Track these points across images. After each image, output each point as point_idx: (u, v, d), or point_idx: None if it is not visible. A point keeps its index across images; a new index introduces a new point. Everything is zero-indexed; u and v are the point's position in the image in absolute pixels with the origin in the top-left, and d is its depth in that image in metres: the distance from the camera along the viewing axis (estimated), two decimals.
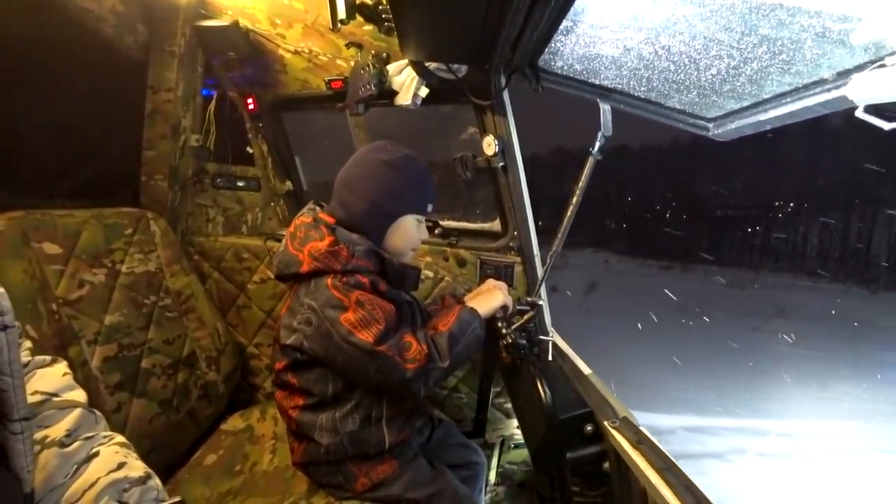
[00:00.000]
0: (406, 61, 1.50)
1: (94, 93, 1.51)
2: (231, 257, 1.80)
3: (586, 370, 1.35)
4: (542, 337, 1.40)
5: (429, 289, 1.70)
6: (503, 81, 1.41)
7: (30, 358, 0.64)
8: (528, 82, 1.38)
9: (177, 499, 0.63)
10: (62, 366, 0.69)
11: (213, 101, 1.77)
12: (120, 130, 1.63)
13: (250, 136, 1.83)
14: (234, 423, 1.59)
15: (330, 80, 1.64)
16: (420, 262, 1.74)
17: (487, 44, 1.20)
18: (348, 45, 1.54)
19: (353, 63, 1.57)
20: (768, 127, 1.10)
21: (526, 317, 1.35)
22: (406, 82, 1.54)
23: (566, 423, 1.19)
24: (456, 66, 1.47)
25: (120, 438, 0.64)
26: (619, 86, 1.30)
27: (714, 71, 1.06)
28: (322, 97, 1.72)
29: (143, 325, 1.44)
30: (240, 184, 1.86)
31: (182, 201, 1.78)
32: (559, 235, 1.47)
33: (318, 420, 1.18)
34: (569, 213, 1.46)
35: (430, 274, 1.70)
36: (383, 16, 1.38)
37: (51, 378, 0.63)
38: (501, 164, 1.54)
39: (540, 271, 1.57)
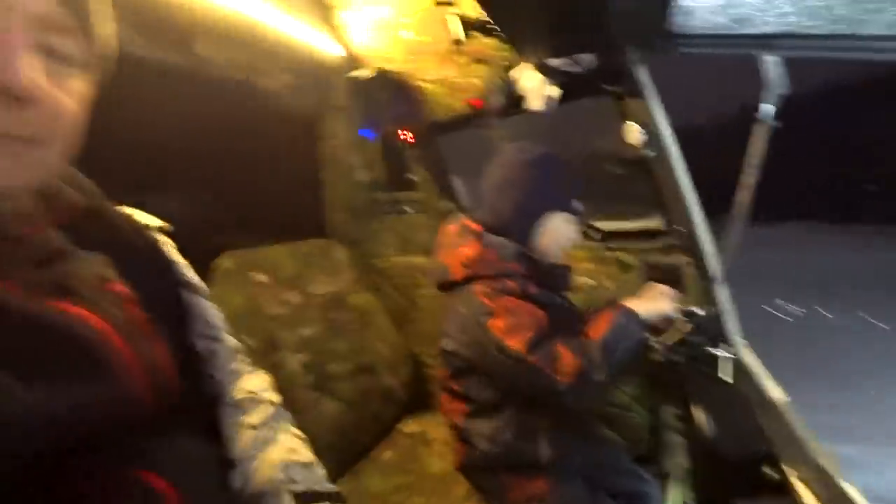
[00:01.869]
0: (527, 65, 1.47)
1: (282, 151, 1.90)
2: (403, 275, 2.02)
3: (777, 396, 1.07)
4: (717, 352, 1.17)
5: (589, 297, 1.60)
6: (634, 60, 1.26)
7: (243, 365, 0.75)
8: (663, 53, 1.20)
9: (334, 488, 0.70)
10: (263, 373, 0.82)
11: (376, 140, 2.03)
12: (303, 177, 2.01)
13: (411, 164, 2.03)
14: (411, 426, 1.76)
15: (468, 100, 1.71)
16: (578, 268, 1.65)
17: (603, 22, 1.10)
18: (473, 65, 1.59)
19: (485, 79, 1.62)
20: None
21: (682, 330, 1.15)
22: (533, 87, 1.50)
23: (736, 464, 0.96)
24: (580, 56, 1.37)
25: (297, 432, 0.74)
26: (786, 28, 1.03)
27: None
28: (467, 117, 1.80)
29: (332, 337, 1.71)
30: (406, 208, 2.08)
31: (359, 229, 2.07)
32: (734, 225, 1.22)
33: (478, 426, 1.19)
34: (744, 197, 1.21)
35: (591, 281, 1.59)
36: (488, 26, 1.39)
37: (255, 381, 0.76)
38: (651, 152, 1.36)
39: (714, 269, 1.32)
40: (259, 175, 1.85)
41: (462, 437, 1.24)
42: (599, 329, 1.10)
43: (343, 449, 1.55)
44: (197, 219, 1.79)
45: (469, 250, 1.16)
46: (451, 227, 1.27)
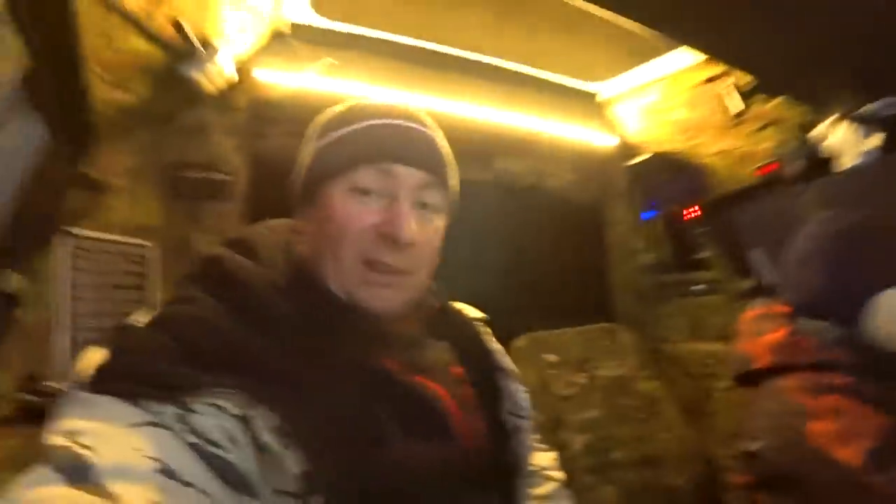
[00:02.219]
0: (830, 120, 1.25)
1: (568, 241, 2.09)
2: (696, 363, 1.83)
3: None
4: None
5: None
6: None
7: (535, 441, 0.83)
8: None
9: None
10: (552, 453, 0.89)
11: (659, 220, 2.00)
12: (591, 265, 2.13)
13: (700, 241, 1.90)
14: None
15: (758, 167, 1.55)
16: None
17: None
18: (759, 130, 1.45)
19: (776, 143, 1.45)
20: None
21: None
22: (844, 141, 1.26)
23: None
24: None
25: None
26: None
27: None
28: (759, 186, 1.62)
29: (615, 422, 1.69)
30: (697, 289, 1.92)
31: (647, 313, 2.02)
32: None
33: None
34: None
35: None
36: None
37: (544, 457, 0.84)
38: None
39: None
40: (550, 263, 2.10)
41: None
42: None
43: None
44: (501, 302, 2.15)
45: (775, 335, 0.98)
46: (753, 312, 1.11)
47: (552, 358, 1.76)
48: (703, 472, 1.70)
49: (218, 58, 1.24)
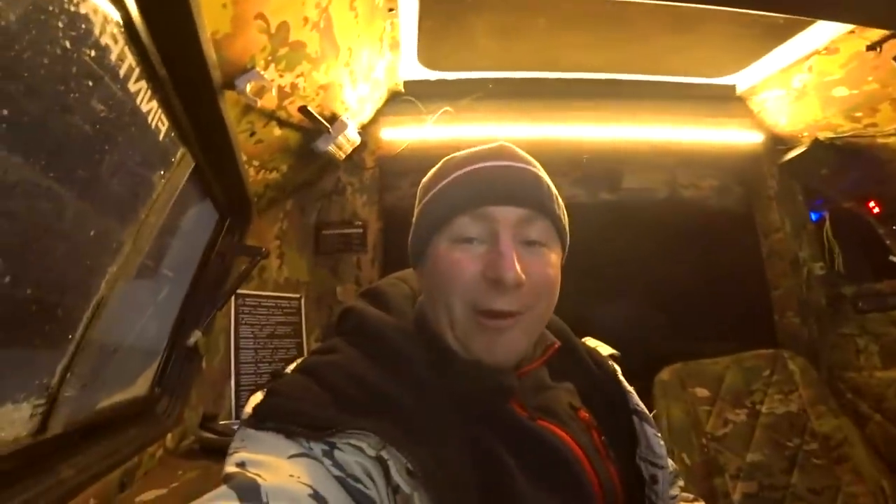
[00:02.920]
0: None
1: (720, 253, 1.86)
2: (894, 395, 1.45)
3: None
4: None
5: None
6: None
7: (679, 492, 0.78)
8: None
9: None
10: (700, 502, 0.82)
11: (828, 221, 1.67)
12: (745, 279, 1.84)
13: (889, 242, 1.53)
14: None
15: None
16: None
17: None
18: None
19: None
20: None
21: None
22: None
23: None
24: None
25: None
26: None
27: None
28: None
29: (786, 469, 1.43)
30: (890, 301, 1.53)
31: (821, 334, 1.68)
32: None
33: None
34: None
35: None
36: None
37: None
38: None
39: None
40: (695, 282, 1.90)
41: None
42: None
43: None
44: (642, 330, 2.00)
45: None
46: None
47: (703, 392, 1.57)
48: None
49: (344, 129, 1.41)
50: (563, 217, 0.63)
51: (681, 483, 0.76)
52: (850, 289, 1.65)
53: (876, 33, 1.19)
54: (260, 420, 0.49)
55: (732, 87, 1.68)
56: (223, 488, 0.42)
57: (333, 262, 1.60)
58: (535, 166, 0.63)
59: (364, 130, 1.60)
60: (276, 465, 0.45)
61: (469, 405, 0.56)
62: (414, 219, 0.66)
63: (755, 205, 1.80)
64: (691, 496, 0.81)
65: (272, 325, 1.44)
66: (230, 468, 0.45)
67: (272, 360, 1.42)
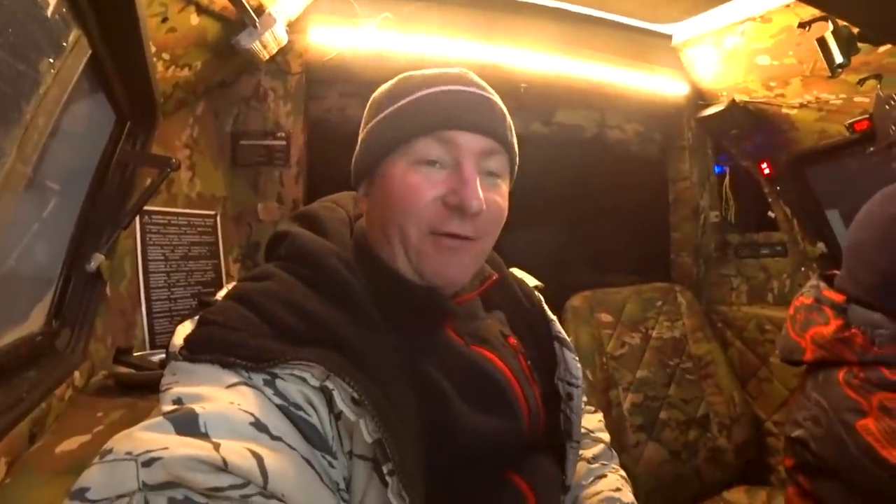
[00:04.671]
0: None
1: (633, 195, 2.00)
2: (753, 327, 1.77)
3: None
4: None
5: None
6: None
7: (584, 406, 0.86)
8: None
9: None
10: (599, 414, 0.94)
11: (727, 176, 1.87)
12: (651, 221, 2.04)
13: (770, 200, 1.76)
14: (738, 496, 1.58)
15: (852, 123, 1.39)
16: None
17: None
18: (861, 82, 1.28)
19: (875, 97, 1.28)
20: None
21: None
22: None
23: None
24: None
25: (623, 473, 0.84)
26: None
27: None
28: (847, 143, 1.47)
29: (666, 382, 1.70)
30: (763, 251, 1.81)
31: (706, 274, 1.95)
32: None
33: None
34: None
35: None
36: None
37: (592, 420, 0.89)
38: None
39: None
40: (610, 220, 2.04)
41: None
42: None
43: (659, 499, 1.54)
44: (558, 259, 2.13)
45: (827, 328, 0.96)
46: (804, 298, 1.06)
47: (607, 317, 1.76)
48: (750, 435, 1.71)
49: (273, 24, 1.21)
50: (516, 152, 0.64)
51: (584, 398, 0.84)
52: (735, 237, 1.92)
53: (809, 12, 1.26)
54: (193, 351, 0.47)
55: (669, 37, 1.72)
56: (159, 419, 0.40)
57: (254, 177, 1.44)
58: (498, 98, 0.62)
59: (291, 29, 1.38)
60: (215, 395, 0.43)
61: (410, 332, 0.57)
62: (362, 136, 0.63)
63: (670, 153, 1.95)
64: (592, 408, 0.93)
65: (185, 245, 1.28)
66: (167, 406, 0.42)
67: (187, 283, 1.28)
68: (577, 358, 0.74)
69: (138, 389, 0.92)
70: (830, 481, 0.97)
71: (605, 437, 0.88)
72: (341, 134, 1.48)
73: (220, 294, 0.55)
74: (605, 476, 0.80)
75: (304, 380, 0.46)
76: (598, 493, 0.76)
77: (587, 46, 1.64)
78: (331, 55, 1.44)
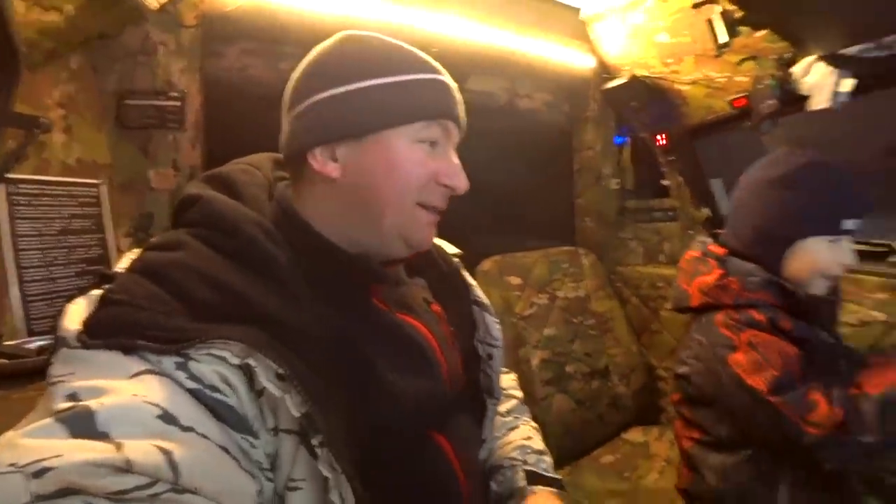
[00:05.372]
0: (813, 57, 1.23)
1: (538, 163, 2.08)
2: (647, 285, 1.96)
3: None
4: None
5: (876, 335, 1.28)
6: None
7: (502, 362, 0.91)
8: None
9: (558, 477, 0.82)
10: (512, 374, 1.02)
11: (628, 147, 2.00)
12: (557, 188, 2.14)
13: (665, 169, 1.92)
14: (635, 434, 1.79)
15: (732, 100, 1.54)
16: (866, 299, 1.32)
17: None
18: (741, 62, 1.41)
19: (752, 76, 1.43)
20: None
21: None
22: (819, 81, 1.26)
23: None
24: (888, 39, 1.08)
25: (534, 424, 0.91)
26: None
27: None
28: (729, 118, 1.64)
29: (571, 339, 1.83)
30: (657, 216, 1.99)
31: (607, 237, 2.10)
32: None
33: (709, 458, 1.14)
34: None
35: (880, 316, 1.27)
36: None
37: (507, 379, 0.95)
38: None
39: None
40: (520, 187, 2.10)
41: (690, 463, 1.20)
42: (880, 383, 0.91)
43: (568, 444, 1.68)
44: (467, 224, 2.17)
45: (710, 277, 1.09)
46: (693, 252, 1.21)
47: (516, 280, 1.84)
48: (644, 381, 1.92)
49: None
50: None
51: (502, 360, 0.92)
52: (633, 203, 2.07)
53: None
54: (94, 336, 0.42)
55: (577, 10, 1.76)
56: (48, 420, 0.36)
57: (143, 141, 1.28)
58: None
59: None
60: (116, 387, 0.40)
61: (336, 302, 0.57)
62: (346, 90, 0.59)
63: (576, 124, 2.04)
64: (506, 369, 1.00)
65: (64, 218, 1.12)
66: (59, 404, 0.38)
67: (68, 261, 1.13)
68: (497, 321, 0.79)
69: (11, 380, 0.82)
70: (707, 408, 1.12)
71: (518, 394, 0.95)
72: (244, 96, 1.36)
73: (121, 265, 0.50)
74: (517, 427, 0.86)
75: (222, 359, 0.43)
76: (510, 443, 0.82)
77: (500, 15, 1.64)
78: (231, 7, 1.31)
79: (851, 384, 0.94)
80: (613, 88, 1.81)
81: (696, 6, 1.40)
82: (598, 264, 2.01)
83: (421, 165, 0.60)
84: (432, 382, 0.64)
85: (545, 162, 2.12)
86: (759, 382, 0.94)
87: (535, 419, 0.91)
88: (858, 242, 1.41)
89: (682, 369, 1.16)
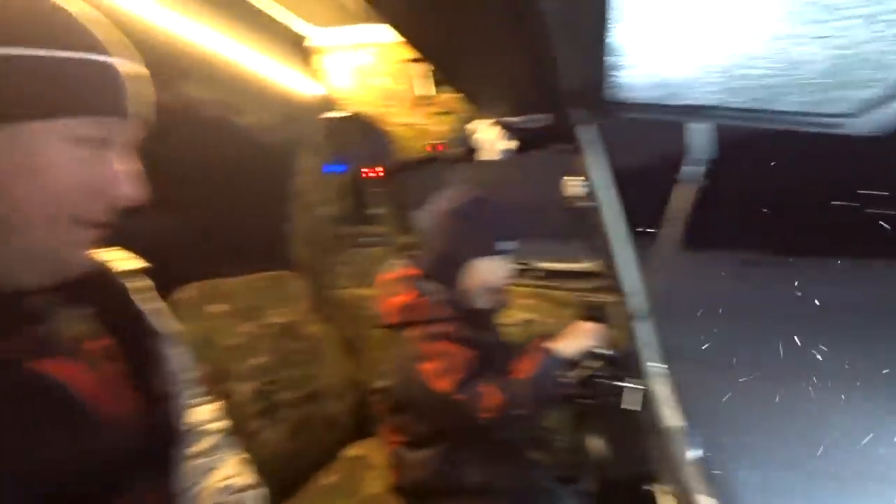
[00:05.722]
0: (490, 120, 1.61)
1: (252, 185, 1.94)
2: (357, 306, 2.07)
3: (672, 422, 1.17)
4: (625, 384, 1.28)
5: (526, 331, 1.70)
6: (580, 123, 1.41)
7: (196, 398, 0.80)
8: (605, 118, 1.35)
9: None
10: (212, 405, 0.88)
11: (344, 175, 2.11)
12: (272, 211, 2.07)
13: (376, 199, 2.12)
14: (354, 451, 1.79)
15: (433, 144, 1.84)
16: (520, 303, 1.75)
17: (550, 91, 1.23)
18: (441, 114, 1.73)
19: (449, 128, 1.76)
20: None
21: (590, 369, 1.27)
22: (491, 139, 1.64)
23: (621, 482, 1.07)
24: (537, 116, 1.51)
25: (242, 456, 0.81)
26: (712, 102, 1.19)
27: (820, 65, 0.90)
28: (430, 158, 1.93)
29: (282, 366, 1.71)
30: (368, 241, 2.15)
31: (322, 262, 2.13)
32: (658, 272, 1.36)
33: (412, 456, 1.26)
34: (666, 246, 1.35)
35: (528, 317, 1.69)
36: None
37: (202, 413, 0.82)
38: (592, 204, 1.50)
39: (639, 308, 1.44)
40: (229, 207, 1.88)
41: (398, 464, 1.31)
42: (527, 367, 1.20)
43: (287, 474, 1.55)
44: (164, 245, 1.78)
45: (404, 297, 1.24)
46: (391, 275, 1.34)
47: (218, 308, 1.61)
48: (358, 400, 1.95)
49: None
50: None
51: (195, 390, 0.83)
52: (346, 229, 2.16)
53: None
54: None
55: (303, 38, 1.80)
56: None
57: None
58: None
59: None
60: None
61: None
62: None
63: (296, 148, 2.03)
64: (203, 400, 0.90)
65: None
66: None
67: None
68: (179, 352, 0.70)
69: None
70: (408, 414, 1.25)
71: (220, 426, 0.84)
72: None
73: None
74: (215, 468, 0.77)
75: None
76: (214, 485, 0.73)
77: (228, 21, 1.51)
78: None
79: (511, 372, 1.21)
80: (336, 119, 1.90)
81: (411, 60, 1.66)
82: (310, 288, 1.98)
83: (75, 171, 0.49)
84: (88, 440, 0.51)
85: (261, 183, 2.00)
86: (445, 385, 1.10)
87: (249, 456, 0.83)
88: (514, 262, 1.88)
89: (384, 383, 1.27)
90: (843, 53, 0.84)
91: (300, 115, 1.95)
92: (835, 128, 1.04)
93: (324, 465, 1.71)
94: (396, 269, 1.35)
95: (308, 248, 2.08)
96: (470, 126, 1.68)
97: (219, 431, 0.81)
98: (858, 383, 4.54)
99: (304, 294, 1.93)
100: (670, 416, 1.17)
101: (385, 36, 1.65)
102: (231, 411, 1.42)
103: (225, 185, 1.86)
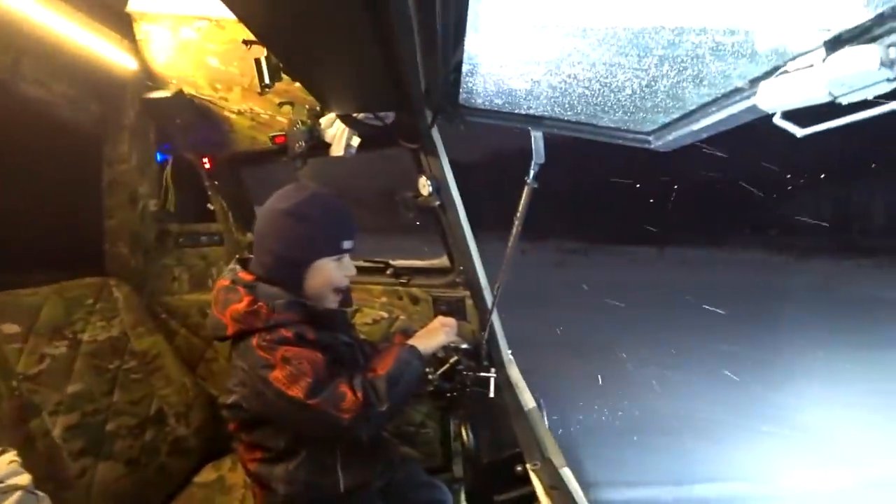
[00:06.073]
0: (332, 116, 1.56)
1: (53, 172, 1.60)
2: (196, 313, 1.86)
3: (529, 404, 1.35)
4: (483, 374, 1.40)
5: (384, 329, 1.73)
6: (427, 123, 1.45)
7: None
8: (451, 121, 1.41)
9: None
10: (10, 454, 0.76)
11: (170, 165, 1.86)
12: (80, 205, 1.73)
13: (210, 193, 1.91)
14: (207, 474, 1.65)
15: (273, 136, 1.72)
16: (374, 301, 1.78)
17: (400, 90, 1.24)
18: (281, 105, 1.61)
19: (289, 119, 1.65)
20: (705, 135, 1.08)
21: (450, 362, 1.36)
22: (337, 134, 1.60)
23: (492, 467, 1.18)
24: (383, 114, 1.51)
25: None
26: (546, 113, 1.32)
27: (629, 91, 1.07)
28: (270, 151, 1.80)
29: (108, 390, 1.49)
30: (203, 240, 1.93)
31: (146, 264, 1.86)
32: (503, 266, 1.49)
33: (274, 471, 1.20)
34: (511, 243, 1.48)
35: (385, 314, 1.73)
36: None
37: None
38: (438, 202, 1.57)
39: (488, 301, 1.58)
40: (20, 200, 1.52)
41: (260, 482, 1.24)
42: (385, 364, 1.20)
43: None
44: None
45: (241, 305, 1.15)
46: (223, 281, 1.24)
47: (12, 328, 1.34)
48: (207, 415, 1.78)
49: None
50: None
51: None
52: (176, 226, 1.91)
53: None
54: None
55: (124, 1, 1.51)
56: None
57: None
58: None
59: None
60: None
61: None
62: None
63: (108, 130, 1.69)
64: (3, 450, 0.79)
65: None
66: None
67: None
68: None
69: None
70: (264, 427, 1.19)
71: (24, 479, 0.74)
72: None
73: None
74: None
75: None
76: None
77: None
78: None
79: (368, 370, 1.21)
80: (157, 100, 1.64)
81: (245, 43, 1.51)
82: (136, 296, 1.73)
83: None
84: None
85: (62, 171, 1.64)
86: (297, 392, 1.07)
87: None
88: (365, 260, 1.88)
89: (232, 398, 1.19)
90: (648, 83, 1.02)
91: (114, 91, 1.65)
92: (642, 143, 1.25)
93: (174, 496, 1.56)
94: (230, 273, 1.24)
95: (131, 250, 1.80)
96: (321, 120, 1.61)
97: (18, 487, 0.70)
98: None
99: (129, 303, 1.68)
100: (526, 397, 1.32)
101: (211, 10, 1.46)
102: (44, 456, 1.23)
103: (16, 172, 1.49)
